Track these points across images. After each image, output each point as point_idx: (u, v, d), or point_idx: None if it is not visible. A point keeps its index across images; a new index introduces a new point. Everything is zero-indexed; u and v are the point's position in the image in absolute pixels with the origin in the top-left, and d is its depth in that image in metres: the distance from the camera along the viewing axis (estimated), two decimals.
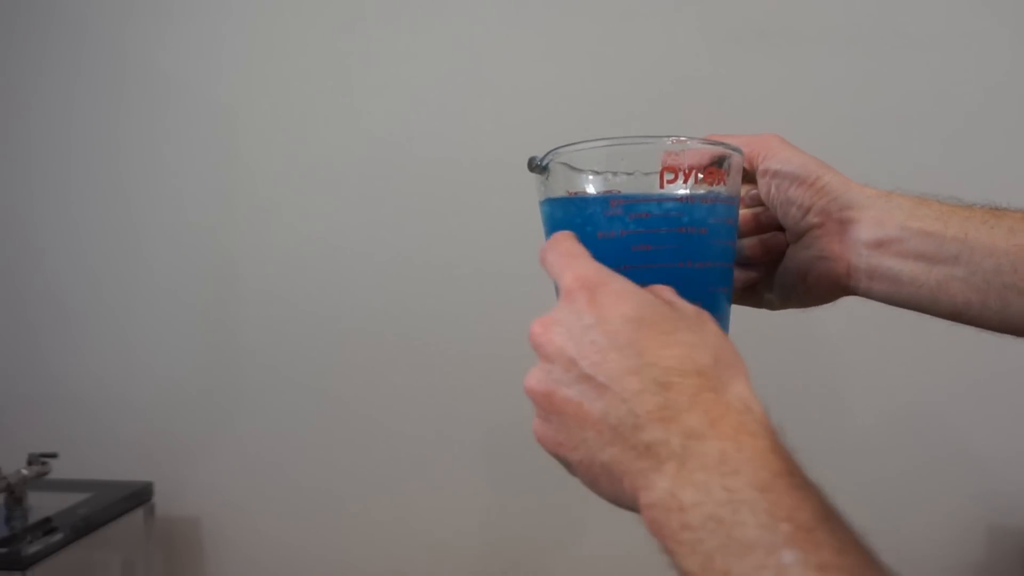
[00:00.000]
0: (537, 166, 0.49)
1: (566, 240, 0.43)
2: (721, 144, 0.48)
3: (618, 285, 0.38)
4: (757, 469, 0.31)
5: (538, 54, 1.36)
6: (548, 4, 1.36)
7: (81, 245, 1.49)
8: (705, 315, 0.39)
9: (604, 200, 0.47)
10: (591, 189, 0.48)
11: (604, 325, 0.36)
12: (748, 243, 0.53)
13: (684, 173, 0.46)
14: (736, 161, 0.48)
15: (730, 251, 0.49)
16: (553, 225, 0.50)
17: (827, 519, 0.31)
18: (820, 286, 0.49)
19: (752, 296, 0.55)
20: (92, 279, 1.48)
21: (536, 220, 1.24)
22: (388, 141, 1.40)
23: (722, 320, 0.49)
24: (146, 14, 1.45)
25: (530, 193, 1.47)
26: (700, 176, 0.46)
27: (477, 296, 1.38)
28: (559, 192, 0.49)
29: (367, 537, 1.43)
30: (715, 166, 0.47)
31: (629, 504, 0.36)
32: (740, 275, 0.53)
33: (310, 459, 1.44)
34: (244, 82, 1.43)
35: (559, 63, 1.36)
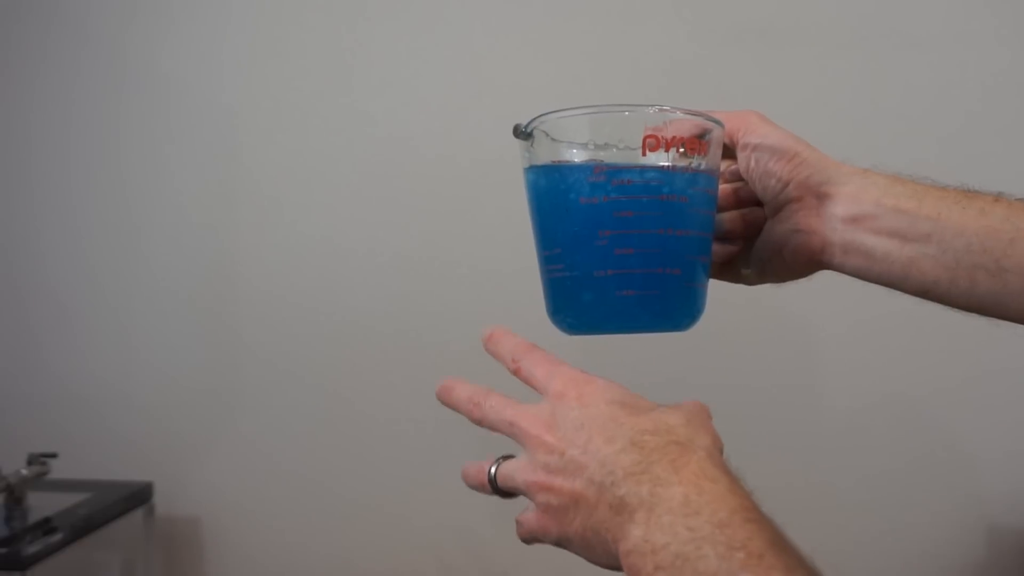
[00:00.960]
0: (522, 132, 0.49)
1: (537, 349, 0.47)
2: (703, 116, 0.48)
3: (603, 382, 0.43)
4: (716, 509, 0.35)
5: (538, 53, 1.37)
6: (548, 4, 1.36)
7: (81, 245, 1.49)
8: (697, 405, 0.43)
9: (588, 167, 0.48)
10: (575, 159, 0.49)
11: (589, 410, 0.41)
12: (727, 217, 0.54)
13: (666, 142, 0.47)
14: (717, 134, 0.49)
15: (709, 221, 0.50)
16: (537, 192, 0.51)
17: (776, 545, 0.34)
18: (796, 260, 0.50)
19: (730, 271, 0.56)
20: (92, 279, 1.48)
21: None
22: (389, 140, 1.40)
23: (700, 289, 0.51)
24: (147, 15, 1.45)
25: None
26: (682, 147, 0.47)
27: (478, 295, 1.38)
28: (543, 160, 0.50)
29: (368, 537, 1.43)
30: (697, 137, 0.48)
31: (618, 563, 0.38)
32: (719, 249, 0.54)
33: (311, 459, 1.44)
34: (245, 82, 1.43)
35: (559, 62, 1.36)
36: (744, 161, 0.51)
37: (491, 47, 1.38)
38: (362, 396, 1.42)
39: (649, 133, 0.46)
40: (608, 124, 0.48)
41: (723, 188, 0.53)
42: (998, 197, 0.47)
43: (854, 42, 1.29)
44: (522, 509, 0.47)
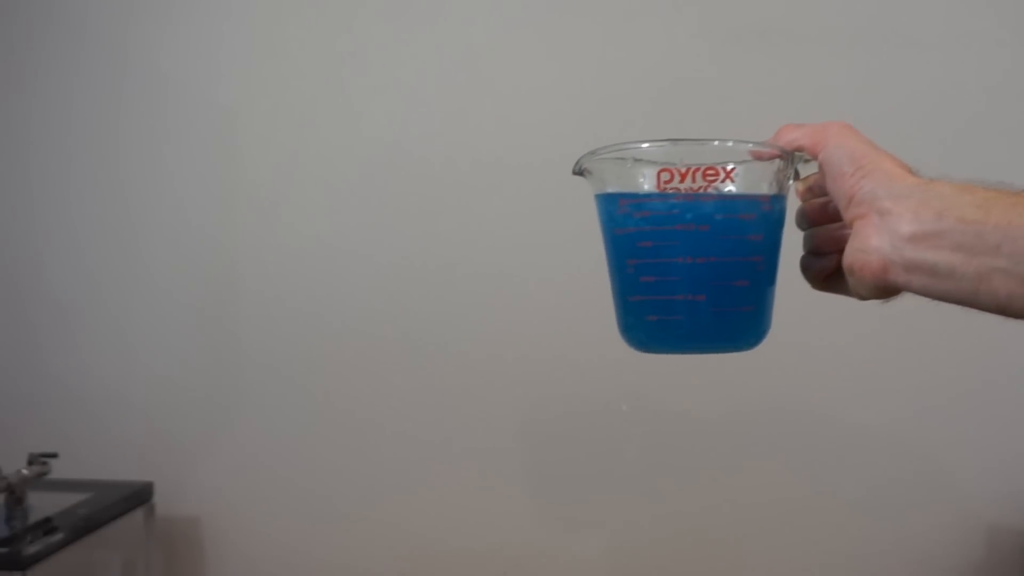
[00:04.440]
0: (576, 172, 0.54)
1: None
2: (750, 143, 0.50)
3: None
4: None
5: (538, 54, 1.36)
6: (548, 4, 1.36)
7: (81, 245, 1.49)
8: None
9: (615, 200, 0.51)
10: (618, 188, 0.52)
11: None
12: (818, 232, 0.54)
13: (680, 175, 0.49)
14: (779, 160, 0.51)
15: (747, 244, 0.51)
16: (600, 220, 0.54)
17: None
18: (863, 281, 0.48)
19: (836, 284, 0.54)
20: (92, 279, 1.48)
21: (532, 221, 1.27)
22: (387, 142, 1.40)
23: (738, 313, 0.51)
24: (146, 14, 1.45)
25: (529, 194, 1.48)
26: (698, 176, 0.49)
27: (476, 297, 1.38)
28: (595, 190, 0.54)
29: (367, 537, 1.43)
30: (721, 166, 0.49)
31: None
32: (815, 263, 0.54)
33: (310, 459, 1.44)
34: (244, 83, 1.43)
35: (559, 63, 1.36)
36: (822, 178, 0.50)
37: (491, 48, 1.37)
38: (361, 397, 1.42)
39: (663, 168, 0.49)
40: (638, 156, 0.50)
41: (813, 203, 0.53)
42: None
43: (855, 43, 1.29)
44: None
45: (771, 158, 0.50)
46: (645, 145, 0.50)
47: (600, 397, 1.37)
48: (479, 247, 1.38)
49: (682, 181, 0.49)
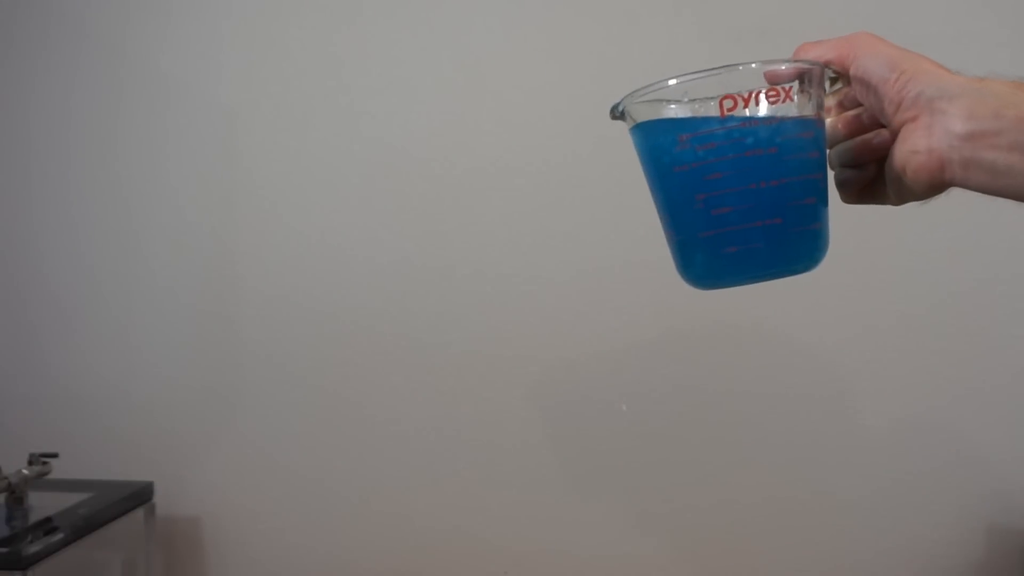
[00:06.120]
0: (616, 114, 0.53)
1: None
2: (781, 62, 0.49)
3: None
4: None
5: (538, 54, 1.36)
6: (548, 4, 1.36)
7: (81, 245, 1.49)
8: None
9: (672, 136, 0.50)
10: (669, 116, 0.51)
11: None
12: (855, 144, 0.53)
13: (744, 100, 0.48)
14: (811, 74, 0.50)
15: (810, 163, 0.51)
16: (650, 162, 0.53)
17: None
18: (918, 181, 0.48)
19: (872, 194, 0.54)
20: (92, 279, 1.49)
21: (533, 221, 1.28)
22: (388, 141, 1.40)
23: (810, 231, 0.51)
24: (146, 14, 1.45)
25: (529, 194, 1.48)
26: (760, 99, 0.48)
27: (476, 296, 1.38)
28: (639, 130, 0.53)
29: (368, 537, 1.43)
30: (779, 86, 0.49)
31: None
32: (854, 176, 0.53)
33: (311, 459, 1.44)
34: (244, 83, 1.43)
35: (559, 64, 1.36)
36: (857, 91, 0.51)
37: (491, 48, 1.38)
38: (361, 396, 1.42)
39: (725, 95, 0.48)
40: (688, 91, 0.49)
41: (846, 115, 0.53)
42: None
43: None
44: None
45: (798, 76, 0.50)
46: (672, 82, 0.49)
47: (600, 396, 1.37)
48: (478, 246, 1.38)
49: (745, 106, 0.48)
